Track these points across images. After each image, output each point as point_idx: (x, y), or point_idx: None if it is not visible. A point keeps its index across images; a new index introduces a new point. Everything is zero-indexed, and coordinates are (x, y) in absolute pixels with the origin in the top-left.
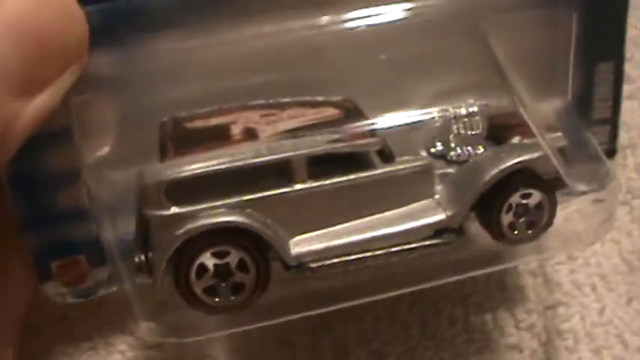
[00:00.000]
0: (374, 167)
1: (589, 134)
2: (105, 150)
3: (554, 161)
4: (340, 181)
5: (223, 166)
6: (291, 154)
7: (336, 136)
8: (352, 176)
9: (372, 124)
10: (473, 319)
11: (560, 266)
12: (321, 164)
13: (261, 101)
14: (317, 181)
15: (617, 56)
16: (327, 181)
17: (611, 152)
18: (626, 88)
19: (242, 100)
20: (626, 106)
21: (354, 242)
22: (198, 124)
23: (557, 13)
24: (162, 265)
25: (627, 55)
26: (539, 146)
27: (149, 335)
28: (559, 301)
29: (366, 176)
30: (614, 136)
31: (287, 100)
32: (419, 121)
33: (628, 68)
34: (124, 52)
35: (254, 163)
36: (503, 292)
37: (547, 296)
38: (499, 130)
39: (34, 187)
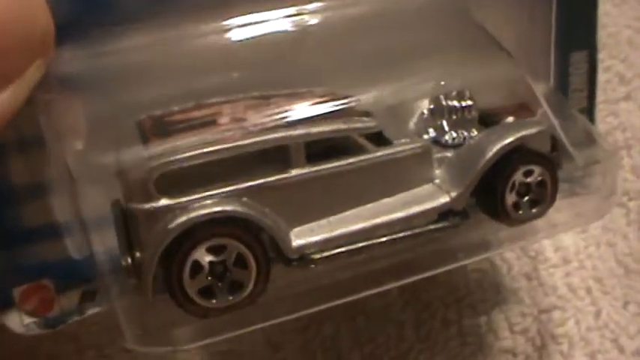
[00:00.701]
0: (372, 151)
1: (577, 113)
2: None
3: (560, 133)
4: (339, 165)
5: (217, 150)
6: (289, 137)
7: (335, 120)
8: (351, 160)
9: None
10: (467, 322)
11: (554, 269)
12: (318, 150)
13: (243, 94)
14: (315, 166)
15: (591, 45)
16: (326, 166)
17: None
18: (622, 89)
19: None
20: (622, 106)
21: (357, 231)
22: (181, 117)
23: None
24: (153, 265)
25: (622, 55)
26: (535, 123)
27: (138, 345)
28: (554, 304)
29: (365, 159)
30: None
31: (270, 92)
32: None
33: (623, 69)
34: (93, 47)
35: (250, 148)
36: (497, 295)
37: (542, 300)
38: (489, 115)
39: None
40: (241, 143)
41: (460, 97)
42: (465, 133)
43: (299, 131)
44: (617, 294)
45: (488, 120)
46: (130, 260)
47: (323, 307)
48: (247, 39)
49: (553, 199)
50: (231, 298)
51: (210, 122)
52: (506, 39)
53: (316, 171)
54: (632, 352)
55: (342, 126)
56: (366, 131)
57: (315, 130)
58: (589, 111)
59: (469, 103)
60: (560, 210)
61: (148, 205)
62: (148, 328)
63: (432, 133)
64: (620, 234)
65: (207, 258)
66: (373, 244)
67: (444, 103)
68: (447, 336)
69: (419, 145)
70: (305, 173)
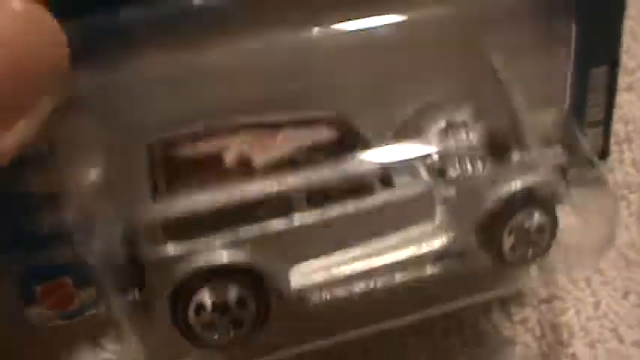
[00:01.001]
0: (374, 192)
1: (585, 143)
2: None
3: (555, 185)
4: (339, 210)
5: (221, 202)
6: (291, 187)
7: (336, 165)
8: (352, 204)
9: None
10: (465, 313)
11: None
12: (327, 192)
13: (252, 119)
14: (316, 209)
15: (612, 60)
16: (329, 210)
17: (604, 154)
18: (624, 80)
19: (230, 114)
20: (624, 98)
21: (356, 272)
22: (188, 150)
23: (556, 25)
24: (160, 304)
25: (624, 47)
26: (540, 164)
27: None
28: (554, 294)
29: (367, 203)
30: (606, 138)
31: (279, 118)
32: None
33: (625, 60)
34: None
35: (252, 195)
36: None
37: (541, 290)
38: (498, 141)
39: (15, 209)
40: (244, 194)
41: (463, 123)
42: (469, 167)
43: (299, 178)
44: (617, 285)
45: (496, 149)
46: (137, 295)
47: (321, 344)
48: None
49: (551, 242)
50: (232, 333)
51: (216, 161)
52: (520, 64)
53: (317, 216)
54: (632, 342)
55: (343, 174)
56: (367, 178)
57: (315, 177)
58: (605, 124)
59: (472, 130)
60: (554, 255)
61: (154, 251)
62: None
63: (436, 159)
64: (622, 226)
65: (210, 298)
66: (371, 287)
67: (447, 130)
68: (445, 326)
69: (421, 187)
70: (305, 219)
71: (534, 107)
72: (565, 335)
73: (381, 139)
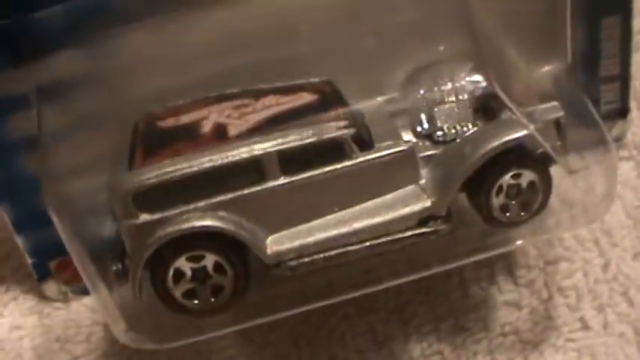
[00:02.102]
0: (351, 156)
1: (586, 99)
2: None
3: (541, 142)
4: (315, 175)
5: (191, 171)
6: (261, 152)
7: (307, 128)
8: (327, 168)
9: (346, 110)
10: (468, 274)
11: None
12: (295, 157)
13: (237, 90)
14: (291, 176)
15: (624, 9)
16: (301, 176)
17: (623, 111)
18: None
19: (220, 85)
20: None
21: (332, 237)
22: (170, 122)
23: None
24: (137, 274)
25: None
26: (529, 122)
27: (131, 342)
28: (561, 256)
29: (343, 167)
30: (625, 93)
31: (263, 86)
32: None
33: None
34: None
35: (223, 164)
36: None
37: (548, 251)
38: (490, 102)
39: (25, 189)
40: (214, 165)
41: (454, 87)
42: (458, 128)
43: (269, 144)
44: (626, 245)
45: (487, 109)
46: (120, 266)
47: (302, 309)
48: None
49: (545, 203)
50: (213, 300)
51: (193, 132)
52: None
53: (291, 182)
54: None
55: (314, 137)
56: (339, 139)
57: (285, 142)
58: (622, 77)
59: (463, 93)
60: (554, 211)
61: (129, 221)
62: (137, 324)
63: (425, 124)
64: (630, 187)
65: (189, 265)
66: (349, 251)
67: (437, 93)
68: (448, 288)
69: (400, 149)
70: (280, 184)
71: (533, 60)
72: (573, 299)
73: (366, 103)
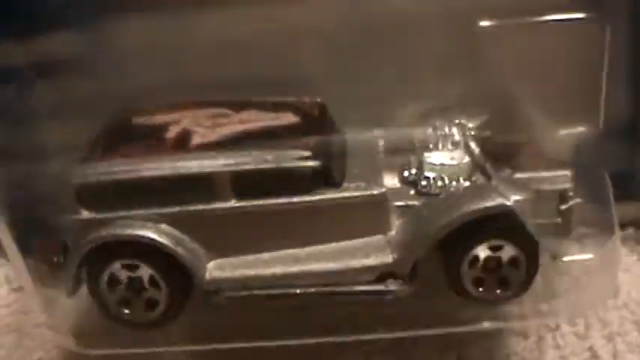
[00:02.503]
0: (311, 191)
1: (605, 174)
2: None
3: (520, 214)
4: (269, 204)
5: (135, 176)
6: (211, 170)
7: (267, 153)
8: (282, 200)
9: (322, 139)
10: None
11: None
12: (251, 182)
13: (223, 98)
14: (243, 200)
15: None
16: (253, 203)
17: None
18: None
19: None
20: None
21: (278, 274)
22: (142, 119)
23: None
24: (72, 270)
25: None
26: (528, 185)
27: (59, 342)
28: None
29: (300, 202)
30: None
31: (250, 99)
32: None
33: None
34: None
35: (172, 174)
36: None
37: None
38: (496, 156)
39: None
40: (159, 171)
41: (450, 134)
42: (446, 181)
43: (222, 162)
44: (637, 271)
45: (487, 166)
46: (61, 259)
47: (234, 345)
48: None
49: (528, 283)
50: (146, 313)
51: (156, 135)
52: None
53: (242, 207)
54: None
55: (271, 164)
56: (299, 173)
57: (240, 163)
58: None
59: (460, 142)
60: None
61: (70, 216)
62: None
63: (413, 170)
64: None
65: (125, 273)
66: (294, 294)
67: (432, 137)
68: None
69: (369, 193)
70: (230, 207)
71: (555, 120)
72: (581, 327)
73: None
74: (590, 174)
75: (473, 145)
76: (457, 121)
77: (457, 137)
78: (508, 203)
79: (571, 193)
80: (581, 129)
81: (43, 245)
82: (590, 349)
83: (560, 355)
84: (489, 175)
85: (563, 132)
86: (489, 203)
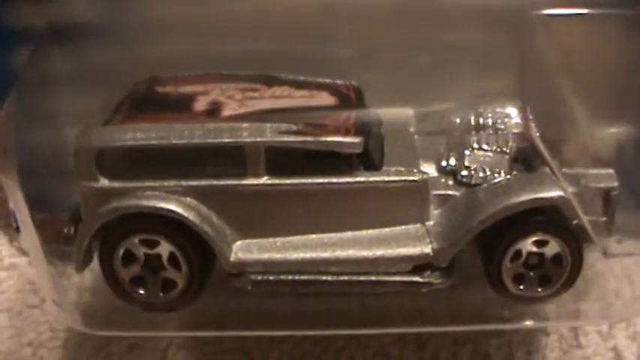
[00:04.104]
0: (350, 173)
1: None
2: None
3: (576, 208)
4: (303, 184)
5: (164, 142)
6: (246, 141)
7: (307, 127)
8: (319, 180)
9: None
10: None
11: None
12: (286, 158)
13: (253, 73)
14: (276, 178)
15: None
16: (287, 181)
17: None
18: None
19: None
20: None
21: (308, 259)
22: (169, 89)
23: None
24: (84, 244)
25: None
26: (573, 182)
27: (57, 319)
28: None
29: (338, 183)
30: None
31: (282, 76)
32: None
33: None
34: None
35: (201, 143)
36: None
37: None
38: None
39: None
40: (186, 139)
41: (494, 123)
42: (488, 172)
43: (258, 134)
44: None
45: (530, 162)
46: (71, 230)
47: (256, 334)
48: None
49: (571, 282)
50: (162, 295)
51: (184, 105)
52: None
53: (275, 184)
54: None
55: (310, 139)
56: (342, 150)
57: (277, 137)
58: None
59: (504, 133)
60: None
61: (87, 183)
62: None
63: (452, 160)
64: None
65: (142, 250)
66: (323, 281)
67: (473, 126)
68: None
69: (408, 178)
70: (261, 184)
71: (599, 118)
72: (605, 326)
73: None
74: (631, 173)
75: (534, 134)
76: (502, 111)
77: (501, 128)
78: (566, 195)
79: (615, 193)
80: (625, 128)
81: (48, 218)
82: (614, 349)
83: (582, 355)
84: (550, 165)
85: (607, 130)
86: (546, 194)
